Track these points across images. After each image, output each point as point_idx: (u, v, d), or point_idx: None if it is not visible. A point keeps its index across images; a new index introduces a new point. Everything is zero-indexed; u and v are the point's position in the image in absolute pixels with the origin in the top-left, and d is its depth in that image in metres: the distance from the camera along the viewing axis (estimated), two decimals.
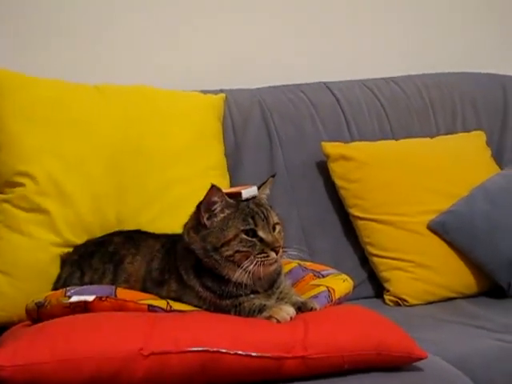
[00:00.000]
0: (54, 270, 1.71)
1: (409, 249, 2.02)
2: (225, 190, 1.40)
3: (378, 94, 2.29)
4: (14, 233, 1.72)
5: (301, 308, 1.41)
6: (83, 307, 1.40)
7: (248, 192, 1.40)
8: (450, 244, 2.02)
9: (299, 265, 1.67)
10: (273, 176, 1.50)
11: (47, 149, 1.77)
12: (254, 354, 1.27)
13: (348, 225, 2.11)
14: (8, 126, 1.78)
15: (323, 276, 1.62)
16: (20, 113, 1.80)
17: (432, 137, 2.26)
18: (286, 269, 1.56)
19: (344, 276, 1.63)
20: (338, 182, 2.10)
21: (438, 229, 2.03)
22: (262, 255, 1.37)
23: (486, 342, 1.66)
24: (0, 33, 2.08)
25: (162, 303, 1.40)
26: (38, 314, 1.45)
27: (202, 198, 1.39)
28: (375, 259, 2.05)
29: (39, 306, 1.45)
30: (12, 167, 1.76)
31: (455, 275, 2.02)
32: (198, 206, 1.41)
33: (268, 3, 2.36)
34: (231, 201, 1.39)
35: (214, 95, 2.07)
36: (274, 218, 1.42)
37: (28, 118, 1.80)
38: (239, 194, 1.39)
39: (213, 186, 1.37)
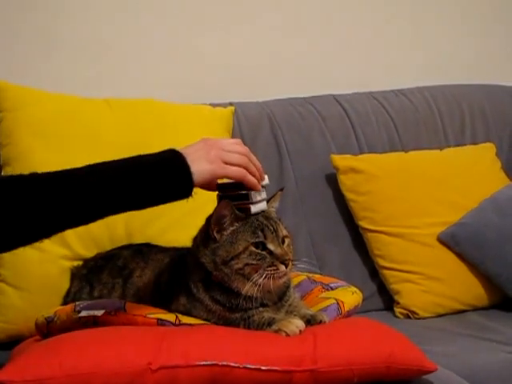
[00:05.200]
0: (65, 283, 1.72)
1: (419, 261, 2.02)
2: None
3: (386, 106, 2.29)
4: None
5: (310, 321, 1.40)
6: (92, 321, 1.40)
7: (257, 207, 1.40)
8: (460, 256, 2.02)
9: (308, 277, 1.66)
10: (281, 190, 1.50)
11: (58, 162, 1.75)
12: (263, 368, 1.26)
13: (357, 237, 2.11)
14: (19, 139, 1.79)
15: (332, 289, 1.61)
16: (31, 127, 1.81)
17: (441, 149, 2.25)
18: (294, 281, 1.55)
19: (353, 288, 1.62)
20: (348, 195, 2.10)
21: (448, 241, 2.02)
22: (272, 268, 1.37)
23: (497, 355, 1.65)
24: (11, 47, 2.10)
25: (170, 317, 1.40)
26: (48, 328, 1.45)
27: (211, 212, 1.40)
28: (385, 272, 2.05)
29: (49, 320, 1.45)
30: None
31: (465, 287, 2.01)
32: (208, 220, 1.41)
33: (277, 16, 2.37)
34: (240, 214, 1.40)
35: (223, 108, 2.08)
36: (283, 231, 1.42)
37: (39, 132, 1.81)
38: (248, 208, 1.39)
39: (223, 200, 1.37)
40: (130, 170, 1.29)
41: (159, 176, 1.30)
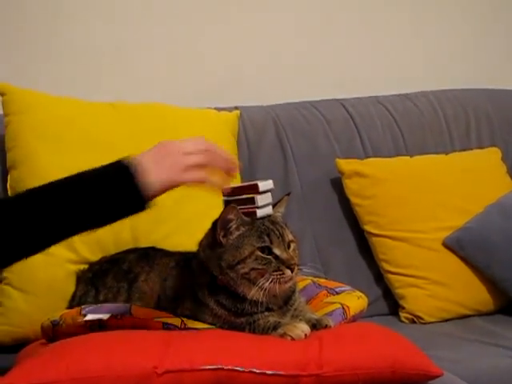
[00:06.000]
0: (70, 287, 1.72)
1: (424, 265, 2.02)
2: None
3: (391, 111, 2.29)
4: None
5: (315, 325, 1.40)
6: (98, 325, 1.40)
7: (263, 211, 1.40)
8: (466, 261, 2.02)
9: (313, 282, 1.66)
10: (288, 194, 1.50)
11: (63, 166, 1.76)
12: (268, 372, 1.26)
13: (363, 241, 2.11)
14: (25, 143, 1.80)
15: (337, 293, 1.61)
16: (37, 130, 1.81)
17: (447, 153, 2.25)
18: (299, 286, 1.55)
19: (358, 293, 1.62)
20: (353, 199, 2.09)
21: (453, 245, 2.02)
22: (278, 273, 1.37)
23: (503, 360, 1.65)
24: (16, 50, 2.11)
25: (176, 321, 1.40)
26: (54, 332, 1.45)
27: (217, 216, 1.40)
28: (390, 276, 2.04)
29: (54, 324, 1.45)
30: (28, 184, 1.75)
31: (471, 292, 2.01)
32: (214, 224, 1.41)
33: (282, 20, 2.37)
34: (246, 219, 1.40)
35: (228, 112, 2.08)
36: (289, 236, 1.42)
37: (45, 135, 1.81)
38: (254, 212, 1.39)
39: (229, 205, 1.38)
40: (68, 189, 1.22)
41: (100, 192, 1.21)
